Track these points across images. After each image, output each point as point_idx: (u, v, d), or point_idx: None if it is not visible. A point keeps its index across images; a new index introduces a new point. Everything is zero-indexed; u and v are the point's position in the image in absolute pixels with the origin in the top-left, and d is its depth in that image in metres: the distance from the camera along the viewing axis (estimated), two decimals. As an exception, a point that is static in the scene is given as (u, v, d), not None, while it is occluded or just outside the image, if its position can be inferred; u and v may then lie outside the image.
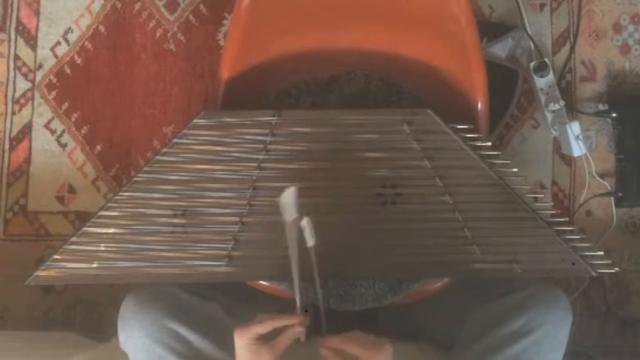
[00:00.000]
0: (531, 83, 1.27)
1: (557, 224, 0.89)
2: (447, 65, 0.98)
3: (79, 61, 1.28)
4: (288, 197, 0.78)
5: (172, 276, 0.88)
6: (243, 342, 0.76)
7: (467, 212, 0.89)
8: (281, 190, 0.79)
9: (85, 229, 0.89)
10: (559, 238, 0.88)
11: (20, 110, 1.28)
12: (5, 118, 1.27)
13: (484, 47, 1.21)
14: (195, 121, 0.92)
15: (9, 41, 1.28)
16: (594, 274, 0.88)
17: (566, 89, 1.29)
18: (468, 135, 0.92)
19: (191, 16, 1.29)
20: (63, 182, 1.27)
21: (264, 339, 0.76)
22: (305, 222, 0.77)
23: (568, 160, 1.29)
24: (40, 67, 1.28)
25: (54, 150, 1.27)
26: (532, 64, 1.26)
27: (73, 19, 1.28)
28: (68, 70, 1.28)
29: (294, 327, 0.77)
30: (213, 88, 1.24)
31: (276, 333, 0.77)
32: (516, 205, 0.89)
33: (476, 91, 0.98)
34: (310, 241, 0.78)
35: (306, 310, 0.79)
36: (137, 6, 1.29)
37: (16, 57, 1.28)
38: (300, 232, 0.78)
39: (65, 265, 0.88)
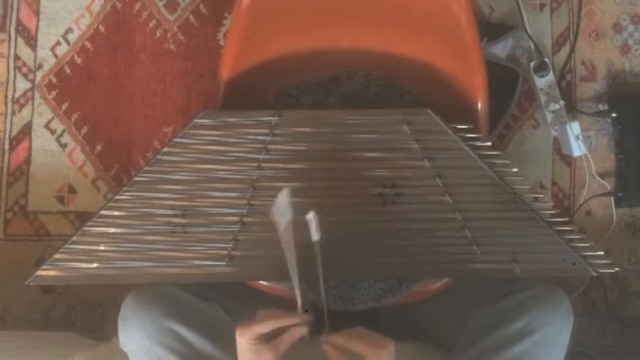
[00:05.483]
0: (531, 83, 1.27)
1: (557, 224, 0.89)
2: (447, 65, 0.98)
3: (79, 61, 1.28)
4: (283, 199, 0.77)
5: (172, 276, 0.88)
6: (244, 341, 0.76)
7: (467, 212, 0.89)
8: (281, 190, 0.79)
9: (85, 228, 0.89)
10: (559, 238, 0.88)
11: (20, 110, 1.28)
12: (5, 118, 1.27)
13: (484, 47, 1.21)
14: (195, 120, 0.92)
15: (9, 41, 1.28)
16: (594, 274, 0.88)
17: (566, 89, 1.29)
18: (468, 135, 0.92)
19: (191, 16, 1.29)
20: (63, 182, 1.27)
21: (266, 338, 0.76)
22: (311, 216, 0.76)
23: (568, 160, 1.29)
24: (40, 67, 1.28)
25: (54, 150, 1.27)
26: (532, 64, 1.26)
27: (73, 19, 1.28)
28: (68, 70, 1.28)
29: (297, 327, 0.76)
30: (213, 88, 1.23)
31: (278, 331, 0.76)
32: (516, 205, 0.89)
33: (476, 91, 0.98)
34: (315, 236, 0.77)
35: (307, 310, 0.78)
36: (137, 6, 1.29)
37: (16, 57, 1.28)
38: (301, 230, 0.77)
39: (65, 265, 0.88)
